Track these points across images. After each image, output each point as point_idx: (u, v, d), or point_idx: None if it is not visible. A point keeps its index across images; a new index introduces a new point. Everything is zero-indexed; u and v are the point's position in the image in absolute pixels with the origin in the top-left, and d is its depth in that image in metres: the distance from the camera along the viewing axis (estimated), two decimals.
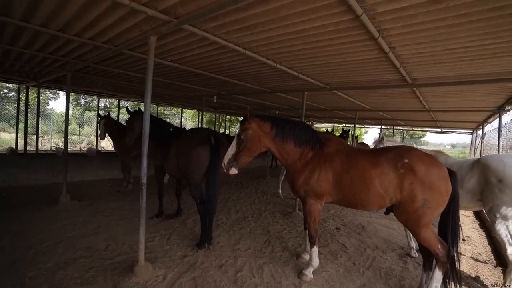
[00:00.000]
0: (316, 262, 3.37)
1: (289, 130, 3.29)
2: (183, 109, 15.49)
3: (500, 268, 4.07)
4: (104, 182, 7.96)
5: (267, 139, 3.30)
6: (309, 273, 3.33)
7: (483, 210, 3.44)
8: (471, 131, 14.84)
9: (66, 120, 5.47)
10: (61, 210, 5.16)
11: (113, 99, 16.84)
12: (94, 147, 12.92)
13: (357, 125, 11.12)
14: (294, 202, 7.02)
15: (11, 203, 5.43)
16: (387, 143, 4.75)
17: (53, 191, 6.48)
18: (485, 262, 4.27)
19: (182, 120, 15.79)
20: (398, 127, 18.36)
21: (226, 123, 18.88)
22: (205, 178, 3.91)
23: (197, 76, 5.72)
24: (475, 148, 12.28)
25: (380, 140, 5.07)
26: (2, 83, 20.80)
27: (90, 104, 25.32)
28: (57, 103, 24.46)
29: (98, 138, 15.03)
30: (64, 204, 5.40)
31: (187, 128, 10.29)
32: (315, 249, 3.37)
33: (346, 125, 17.24)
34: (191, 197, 4.00)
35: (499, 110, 6.79)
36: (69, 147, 16.26)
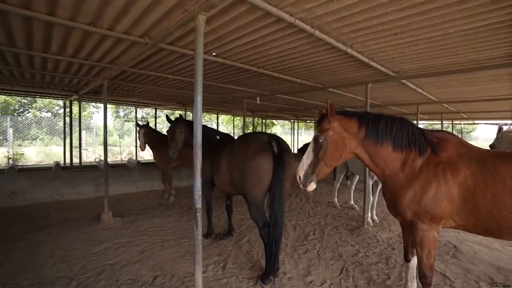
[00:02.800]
0: None
1: (384, 129, 2.40)
2: (218, 115, 15.06)
3: None
4: (145, 194, 7.59)
5: (354, 143, 2.44)
6: None
7: None
8: None
9: (105, 131, 5.07)
10: (102, 229, 4.72)
11: (150, 109, 17.00)
12: (134, 158, 12.93)
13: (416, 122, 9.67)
14: (355, 213, 6.03)
15: (53, 220, 5.14)
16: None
17: (96, 206, 6.20)
18: None
19: (218, 126, 15.36)
20: (456, 121, 16.23)
21: (262, 127, 18.19)
22: (267, 195, 3.15)
23: (242, 73, 5.00)
24: None
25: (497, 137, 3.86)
26: (52, 101, 22.29)
27: (129, 116, 26.37)
28: (99, 116, 25.79)
29: (138, 149, 15.23)
30: (106, 222, 4.97)
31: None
32: None
33: None
34: (252, 219, 3.23)
35: None
36: (111, 158, 16.82)
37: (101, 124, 19.77)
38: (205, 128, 4.41)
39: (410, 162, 2.37)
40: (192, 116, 4.34)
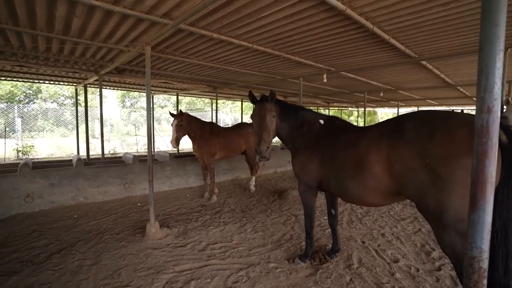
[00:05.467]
0: None
1: None
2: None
3: None
4: (180, 193, 6.41)
5: None
6: None
7: None
8: None
9: (148, 117, 3.78)
10: (152, 247, 3.52)
11: (170, 95, 15.64)
12: (157, 150, 11.77)
13: None
14: None
15: (83, 232, 3.96)
16: None
17: (128, 209, 5.09)
18: None
19: (242, 114, 14.03)
20: None
21: None
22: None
23: (352, 33, 3.60)
24: None
25: None
26: (58, 90, 21.06)
27: (135, 105, 25.16)
28: (106, 106, 24.49)
29: (156, 139, 13.99)
30: (154, 235, 3.76)
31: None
32: None
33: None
34: (442, 248, 1.93)
35: None
36: (125, 150, 15.71)
37: (108, 115, 18.53)
38: (300, 109, 3.14)
39: None
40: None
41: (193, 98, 22.86)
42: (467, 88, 8.22)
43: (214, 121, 9.77)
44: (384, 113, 26.16)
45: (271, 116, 2.88)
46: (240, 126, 6.60)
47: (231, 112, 26.49)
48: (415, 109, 17.27)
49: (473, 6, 2.69)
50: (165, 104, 25.70)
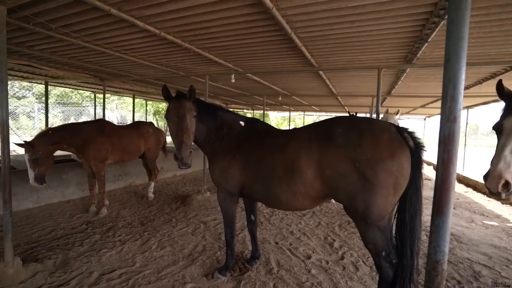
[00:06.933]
0: None
1: None
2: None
3: None
4: (54, 209, 5.00)
5: None
6: None
7: None
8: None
9: (2, 111, 2.64)
10: None
11: (33, 83, 12.14)
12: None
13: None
14: None
15: None
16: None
17: None
18: None
19: (134, 112, 12.39)
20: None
21: None
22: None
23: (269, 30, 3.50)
24: None
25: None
26: None
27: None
28: None
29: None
30: (12, 280, 2.65)
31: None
32: None
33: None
34: (366, 244, 2.08)
35: None
36: None
37: None
38: (218, 109, 2.87)
39: None
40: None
41: (68, 90, 18.66)
42: (343, 98, 9.89)
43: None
44: (275, 116, 28.85)
45: (191, 116, 2.52)
46: (139, 124, 5.73)
47: (117, 109, 23.25)
48: (301, 113, 19.74)
49: (371, 28, 3.14)
50: (24, 94, 19.86)
